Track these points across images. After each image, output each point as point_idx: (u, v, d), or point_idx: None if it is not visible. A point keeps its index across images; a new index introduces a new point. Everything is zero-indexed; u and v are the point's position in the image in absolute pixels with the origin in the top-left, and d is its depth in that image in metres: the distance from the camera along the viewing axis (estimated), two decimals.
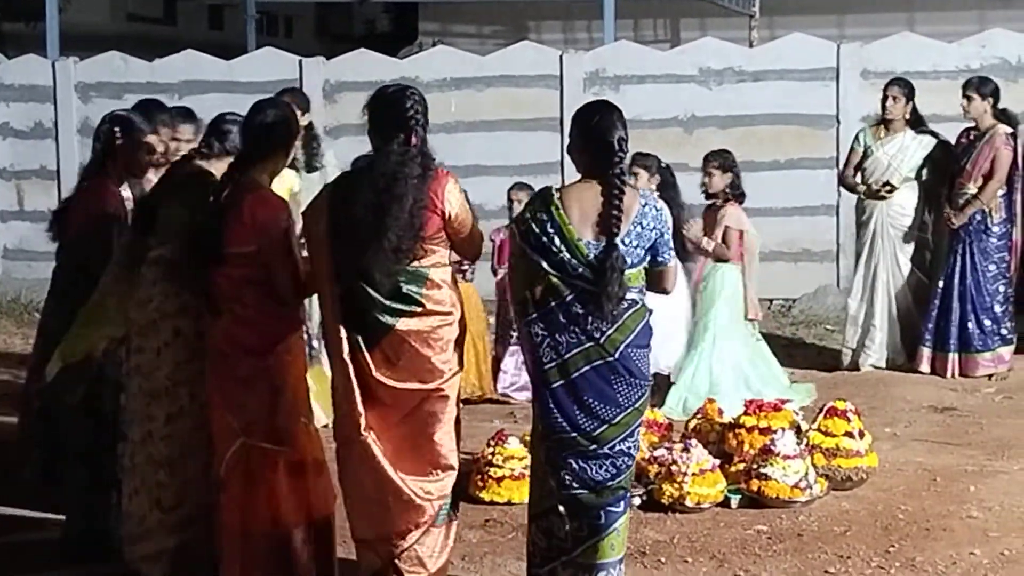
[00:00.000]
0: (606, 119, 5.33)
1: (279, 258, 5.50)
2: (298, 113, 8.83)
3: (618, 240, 5.21)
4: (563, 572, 5.38)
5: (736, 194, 9.05)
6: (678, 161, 12.31)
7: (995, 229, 10.04)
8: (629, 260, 5.23)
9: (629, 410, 5.33)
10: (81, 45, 16.25)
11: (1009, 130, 10.08)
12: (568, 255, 5.22)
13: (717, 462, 7.03)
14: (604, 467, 5.34)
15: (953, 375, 9.97)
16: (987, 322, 10.06)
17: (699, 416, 7.70)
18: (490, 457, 7.18)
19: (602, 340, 5.25)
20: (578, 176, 5.38)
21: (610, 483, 5.35)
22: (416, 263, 5.36)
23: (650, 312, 5.37)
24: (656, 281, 5.41)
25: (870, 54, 12.47)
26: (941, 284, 10.08)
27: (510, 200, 9.63)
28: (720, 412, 7.69)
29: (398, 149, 5.34)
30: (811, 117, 12.54)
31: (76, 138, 13.61)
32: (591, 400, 5.27)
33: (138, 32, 29.55)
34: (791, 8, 18.10)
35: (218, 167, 5.85)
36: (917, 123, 10.26)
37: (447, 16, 21.06)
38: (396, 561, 5.47)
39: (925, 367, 10.08)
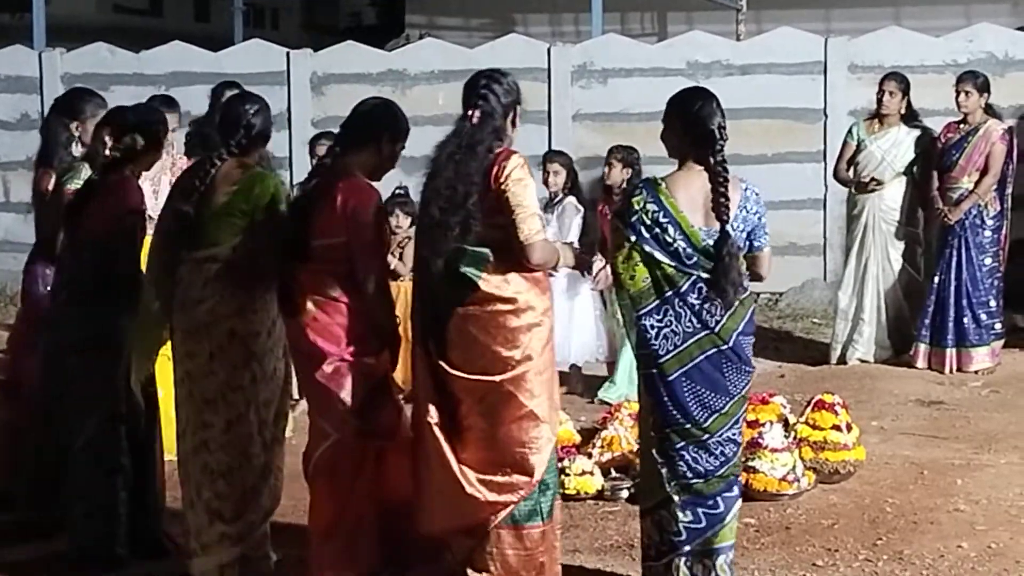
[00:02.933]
0: (708, 107, 5.37)
1: (368, 249, 5.38)
2: None
3: (730, 227, 5.24)
4: (683, 564, 5.40)
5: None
6: (665, 154, 12.39)
7: (990, 223, 10.06)
8: (739, 245, 5.28)
9: (737, 398, 5.39)
10: (67, 36, 16.21)
11: (1005, 125, 10.12)
12: (683, 243, 5.24)
13: None
14: (715, 456, 5.37)
15: (951, 370, 9.99)
16: (983, 316, 10.09)
17: None
18: None
19: (717, 329, 5.29)
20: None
21: (721, 471, 5.39)
22: (478, 244, 5.25)
23: (756, 299, 5.42)
24: (751, 266, 5.42)
25: (857, 48, 12.47)
26: (936, 279, 10.10)
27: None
28: None
29: (456, 127, 5.32)
30: (798, 111, 12.54)
31: None
32: (704, 390, 5.30)
33: (124, 23, 29.50)
34: (778, 2, 18.12)
35: (251, 159, 5.75)
36: (911, 118, 10.28)
37: (434, 8, 21.04)
38: (469, 558, 5.37)
39: (922, 363, 10.10)
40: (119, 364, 5.94)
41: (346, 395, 5.38)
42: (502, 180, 5.23)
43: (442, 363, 5.28)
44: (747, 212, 5.34)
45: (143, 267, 6.00)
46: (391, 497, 5.52)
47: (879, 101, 10.28)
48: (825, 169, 11.84)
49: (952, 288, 10.05)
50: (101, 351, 5.96)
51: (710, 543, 5.41)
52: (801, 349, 11.13)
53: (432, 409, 5.28)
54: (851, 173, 10.34)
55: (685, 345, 5.28)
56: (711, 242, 5.24)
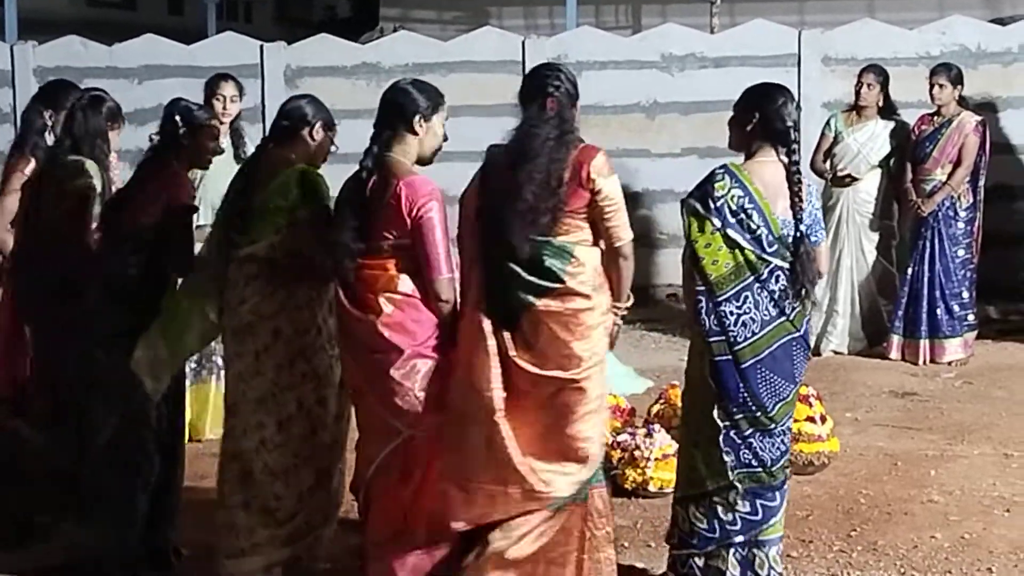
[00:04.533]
0: (789, 104, 5.44)
1: (437, 248, 5.29)
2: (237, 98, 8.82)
3: (803, 222, 5.34)
4: (731, 555, 5.44)
5: None
6: (640, 147, 12.41)
7: (963, 214, 10.10)
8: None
9: (797, 386, 5.48)
10: (39, 29, 16.11)
11: (978, 117, 10.16)
12: (766, 230, 5.30)
13: None
14: (776, 445, 5.44)
15: (924, 361, 10.03)
16: (956, 307, 10.12)
17: (662, 401, 7.70)
18: None
19: (792, 316, 5.36)
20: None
21: (782, 461, 5.46)
22: (562, 237, 5.21)
23: None
24: None
25: (831, 41, 12.49)
26: (910, 270, 10.14)
27: None
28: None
29: (534, 114, 5.26)
30: None
31: None
32: (776, 378, 5.36)
33: (97, 17, 29.32)
34: None
35: (292, 150, 5.64)
36: (888, 110, 10.31)
37: (408, 2, 21.01)
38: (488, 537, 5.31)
39: (895, 354, 10.15)
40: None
41: (421, 392, 5.31)
42: (594, 175, 5.21)
43: (516, 358, 5.21)
44: (811, 207, 5.43)
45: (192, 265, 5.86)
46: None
47: (857, 93, 10.32)
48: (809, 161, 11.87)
49: (925, 279, 10.09)
50: (130, 349, 5.75)
51: (763, 534, 5.46)
52: None
53: (500, 402, 5.20)
54: (827, 165, 10.37)
55: (762, 333, 5.34)
56: (787, 231, 5.34)
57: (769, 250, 5.33)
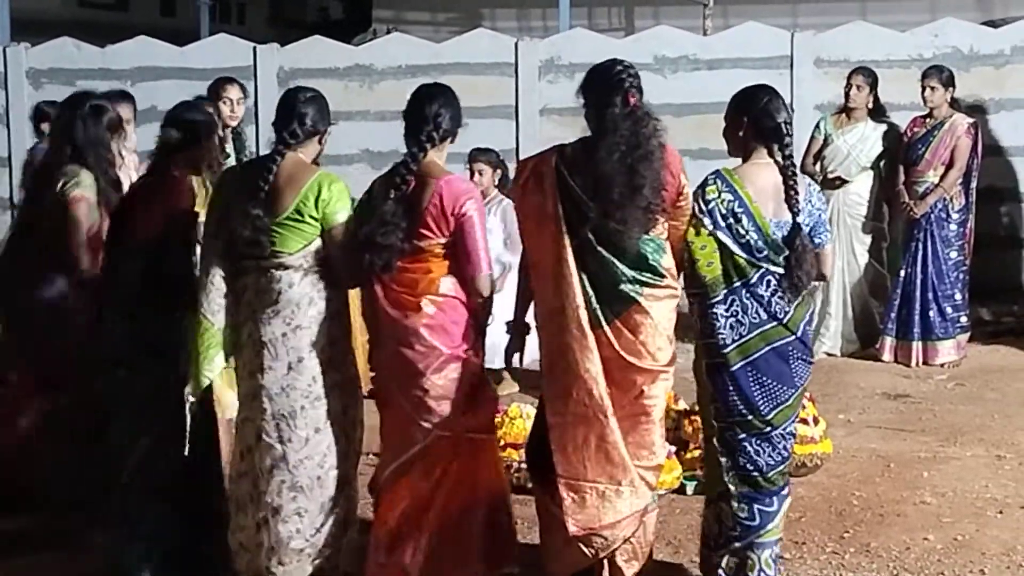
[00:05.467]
0: (775, 102, 5.44)
1: (477, 247, 5.32)
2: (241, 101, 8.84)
3: (800, 219, 5.32)
4: (730, 559, 5.48)
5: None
6: None
7: (955, 216, 10.12)
8: (808, 238, 5.36)
9: (799, 390, 5.45)
10: (31, 31, 16.08)
11: (970, 120, 10.17)
12: (755, 235, 5.30)
13: (673, 449, 7.04)
14: (776, 450, 5.43)
15: (917, 363, 10.04)
16: (948, 309, 10.14)
17: None
18: None
19: (786, 320, 5.35)
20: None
21: (780, 467, 5.45)
22: (654, 233, 5.27)
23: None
24: (813, 263, 5.45)
25: (824, 43, 12.50)
26: (903, 272, 10.15)
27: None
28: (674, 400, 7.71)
29: (624, 110, 5.24)
30: None
31: (28, 125, 13.45)
32: (771, 381, 5.35)
33: (90, 18, 29.25)
34: None
35: (305, 154, 5.51)
36: (878, 112, 10.33)
37: (401, 3, 21.01)
38: (612, 554, 5.36)
39: (888, 356, 10.16)
40: (173, 378, 5.63)
41: (457, 392, 5.33)
42: (681, 176, 5.33)
43: (619, 349, 5.24)
44: (811, 207, 5.43)
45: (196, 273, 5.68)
46: (488, 491, 5.51)
47: (847, 95, 10.34)
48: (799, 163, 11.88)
49: (918, 281, 10.10)
50: (154, 365, 5.65)
51: (760, 537, 5.47)
52: None
53: (608, 399, 5.21)
54: (818, 167, 10.38)
55: (750, 336, 5.33)
56: (780, 235, 5.33)
57: (758, 255, 5.32)
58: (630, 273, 5.21)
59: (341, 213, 5.38)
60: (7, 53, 13.71)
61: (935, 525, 6.62)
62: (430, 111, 5.42)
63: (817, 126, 10.50)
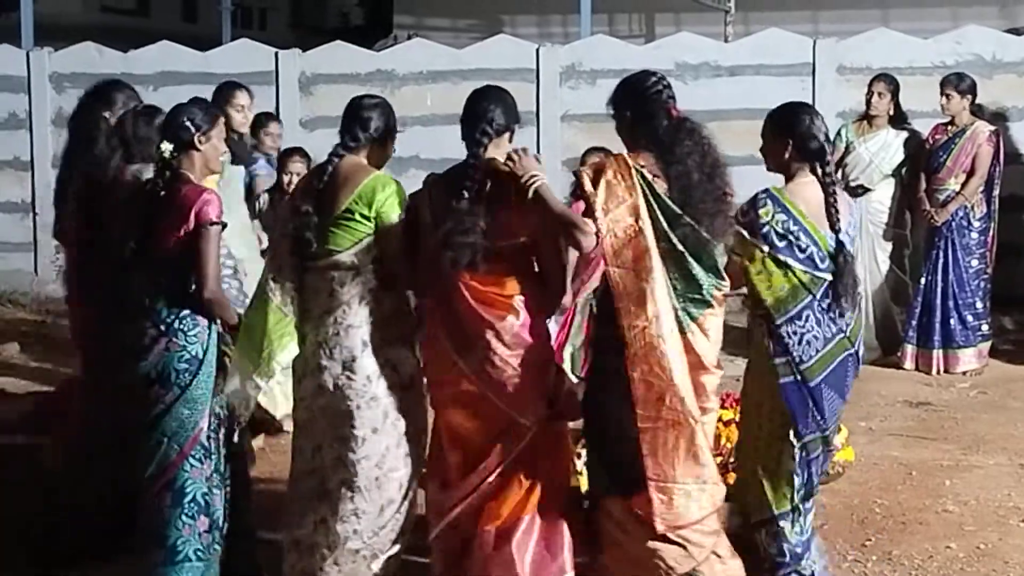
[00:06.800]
0: (816, 121, 5.51)
1: (553, 245, 5.37)
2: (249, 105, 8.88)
3: (843, 232, 5.39)
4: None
5: None
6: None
7: (976, 224, 10.09)
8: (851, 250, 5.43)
9: (845, 401, 5.52)
10: (53, 36, 16.15)
11: (992, 127, 10.14)
12: (815, 249, 5.35)
13: None
14: (826, 461, 5.55)
15: (938, 371, 10.01)
16: (969, 318, 10.11)
17: None
18: None
19: (848, 332, 5.43)
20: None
21: (820, 478, 5.56)
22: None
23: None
24: None
25: (846, 50, 12.48)
26: (923, 280, 10.13)
27: None
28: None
29: (672, 123, 5.30)
30: None
31: (50, 129, 13.53)
32: (834, 395, 5.42)
33: (111, 23, 29.44)
34: (766, 4, 18.15)
35: (369, 158, 5.54)
36: (900, 119, 10.31)
37: (422, 9, 21.04)
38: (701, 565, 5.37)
39: (909, 364, 10.14)
40: (209, 388, 5.56)
41: (542, 383, 5.41)
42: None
43: (697, 355, 5.25)
44: (852, 219, 5.55)
45: (220, 283, 5.64)
46: (567, 479, 5.58)
47: (868, 102, 10.33)
48: None
49: (939, 289, 10.08)
50: (191, 374, 5.51)
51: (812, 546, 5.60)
52: None
53: (694, 401, 5.22)
54: (840, 175, 10.35)
55: (827, 349, 5.39)
56: (835, 247, 5.40)
57: (822, 266, 5.37)
58: (708, 278, 5.24)
59: (394, 214, 5.41)
60: (30, 57, 13.77)
61: (957, 534, 6.59)
62: (481, 108, 5.45)
63: (839, 133, 10.47)
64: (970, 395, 9.51)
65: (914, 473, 7.53)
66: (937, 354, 10.08)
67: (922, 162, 10.17)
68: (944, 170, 10.05)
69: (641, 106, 5.35)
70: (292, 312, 5.49)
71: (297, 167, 9.00)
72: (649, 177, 5.22)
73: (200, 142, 5.64)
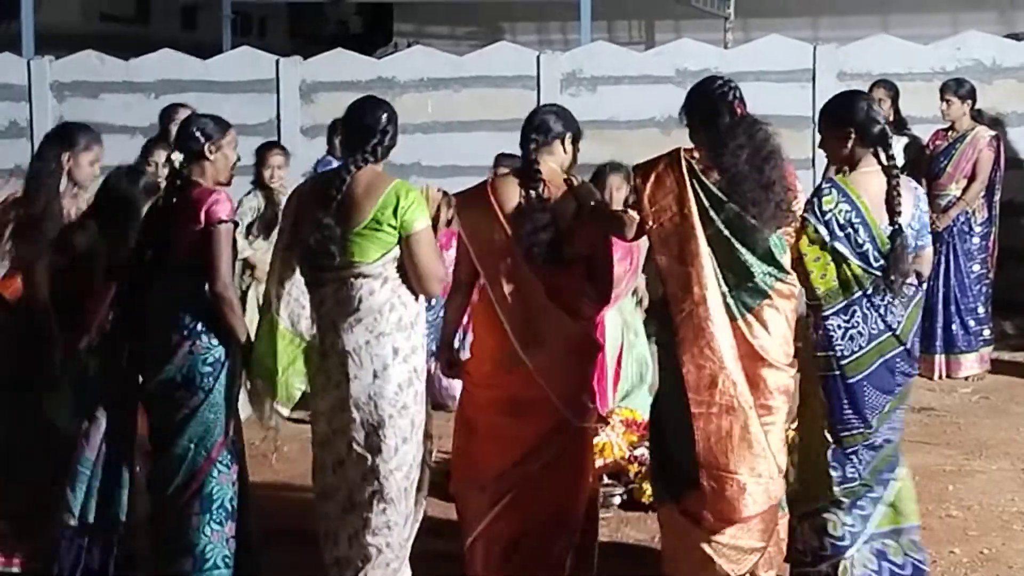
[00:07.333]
0: (873, 109, 5.52)
1: (606, 252, 5.57)
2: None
3: (905, 223, 5.36)
4: (849, 564, 5.49)
5: None
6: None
7: (978, 230, 10.11)
8: (913, 243, 5.40)
9: (895, 397, 5.48)
10: (53, 44, 16.15)
11: (992, 132, 10.16)
12: (871, 245, 5.34)
13: None
14: (878, 453, 5.48)
15: (940, 376, 10.02)
16: (971, 323, 10.11)
17: None
18: None
19: (898, 330, 5.40)
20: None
21: (874, 464, 5.49)
22: (783, 232, 5.37)
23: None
24: (914, 264, 5.50)
25: (846, 56, 12.49)
26: (925, 285, 10.11)
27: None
28: None
29: (734, 119, 5.36)
30: (787, 118, 12.40)
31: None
32: (876, 392, 5.40)
33: (111, 31, 29.42)
34: (765, 11, 18.16)
35: (378, 165, 5.52)
36: (900, 125, 10.31)
37: (421, 17, 21.05)
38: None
39: None
40: (231, 393, 5.61)
41: (593, 385, 5.61)
42: (797, 182, 5.49)
43: (753, 345, 5.27)
44: (919, 211, 5.49)
45: (235, 285, 5.69)
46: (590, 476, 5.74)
47: None
48: (814, 176, 11.84)
49: (940, 295, 10.08)
50: (214, 383, 5.54)
51: (889, 537, 5.54)
52: None
53: (746, 387, 5.25)
54: None
55: (869, 347, 5.38)
56: (890, 237, 5.37)
57: (875, 264, 5.36)
58: (762, 267, 5.26)
59: (419, 221, 5.40)
60: (31, 66, 13.76)
61: (961, 539, 6.60)
62: (539, 120, 5.69)
63: None
64: (972, 400, 9.52)
65: (917, 478, 7.44)
66: (939, 359, 10.08)
67: (923, 168, 10.16)
68: (945, 176, 10.06)
69: (706, 107, 5.42)
70: (303, 331, 5.49)
71: (277, 160, 8.98)
72: (698, 168, 5.30)
73: (210, 152, 5.67)
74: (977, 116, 10.23)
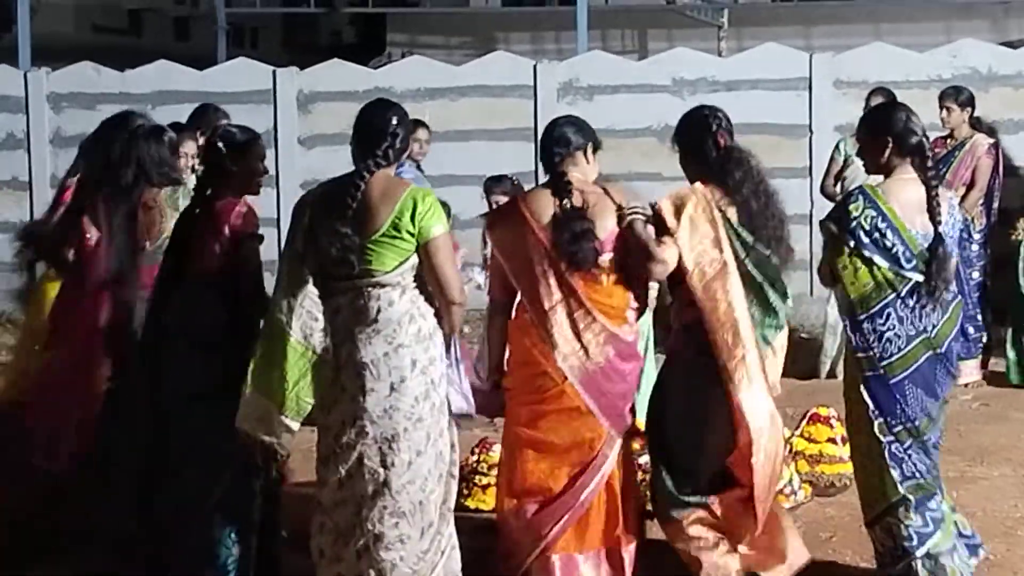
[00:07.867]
0: (912, 119, 5.62)
1: (637, 258, 5.56)
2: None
3: (942, 230, 5.47)
4: (920, 567, 5.58)
5: None
6: (652, 171, 12.41)
7: (977, 237, 10.12)
8: (952, 249, 5.52)
9: (939, 401, 5.61)
10: (46, 56, 16.15)
11: (991, 140, 10.17)
12: (902, 247, 5.44)
13: None
14: (929, 456, 5.61)
15: None
16: (970, 329, 10.05)
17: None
18: (475, 465, 7.18)
19: (934, 334, 5.51)
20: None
21: (934, 471, 5.63)
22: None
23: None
24: None
25: (842, 64, 12.54)
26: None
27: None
28: None
29: (720, 152, 5.62)
30: (784, 127, 12.57)
31: (48, 148, 13.54)
32: (922, 392, 5.52)
33: (104, 43, 29.41)
34: (759, 20, 18.23)
35: (391, 170, 5.37)
36: None
37: (415, 27, 21.09)
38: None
39: None
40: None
41: (631, 398, 5.69)
42: None
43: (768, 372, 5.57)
44: (954, 219, 5.59)
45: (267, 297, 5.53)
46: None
47: None
48: (811, 184, 11.88)
49: None
50: (233, 397, 5.38)
51: (937, 546, 5.60)
52: (790, 363, 10.88)
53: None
54: (838, 188, 10.38)
55: (910, 347, 5.50)
56: (926, 245, 5.47)
57: (907, 266, 5.46)
58: (783, 306, 5.55)
59: (437, 227, 5.22)
60: (28, 77, 13.78)
61: None
62: (559, 132, 5.71)
63: (837, 147, 10.51)
64: (973, 407, 9.52)
65: None
66: None
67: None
68: (944, 183, 10.06)
69: (690, 136, 5.66)
70: (314, 342, 5.33)
71: (190, 148, 8.42)
72: (721, 207, 5.50)
73: (235, 162, 5.65)
74: (976, 123, 10.25)
